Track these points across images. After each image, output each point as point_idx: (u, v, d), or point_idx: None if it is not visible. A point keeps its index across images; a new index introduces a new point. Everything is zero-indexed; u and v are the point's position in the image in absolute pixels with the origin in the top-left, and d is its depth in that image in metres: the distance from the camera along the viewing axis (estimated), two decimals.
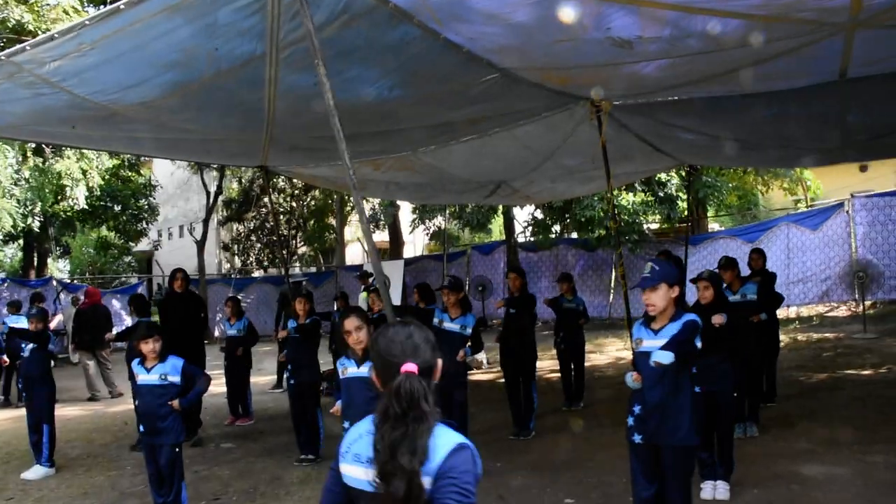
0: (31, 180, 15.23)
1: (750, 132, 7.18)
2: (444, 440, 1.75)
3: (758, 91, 5.65)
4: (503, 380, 7.69)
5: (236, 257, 28.85)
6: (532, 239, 17.61)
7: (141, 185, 21.62)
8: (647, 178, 14.14)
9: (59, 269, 31.17)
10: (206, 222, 21.86)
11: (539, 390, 7.45)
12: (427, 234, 21.73)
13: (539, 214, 17.02)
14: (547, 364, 10.81)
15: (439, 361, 1.92)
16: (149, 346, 4.86)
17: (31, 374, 6.79)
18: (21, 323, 10.09)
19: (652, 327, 3.69)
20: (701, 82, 5.32)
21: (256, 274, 26.44)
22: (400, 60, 4.49)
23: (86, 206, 16.92)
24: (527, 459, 6.17)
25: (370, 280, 11.96)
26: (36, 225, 16.36)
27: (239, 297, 9.87)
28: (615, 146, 6.91)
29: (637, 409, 3.70)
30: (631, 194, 14.95)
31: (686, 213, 16.49)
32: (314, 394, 6.84)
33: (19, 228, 16.46)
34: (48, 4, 13.86)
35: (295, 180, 22.46)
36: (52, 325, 8.50)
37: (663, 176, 14.62)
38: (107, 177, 17.90)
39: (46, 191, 15.17)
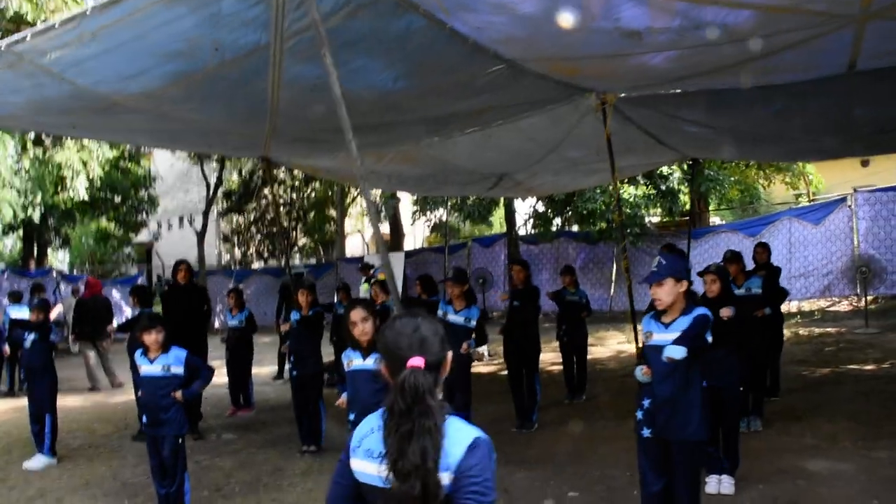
0: (31, 171, 15.17)
1: (755, 125, 7.14)
2: (459, 435, 1.72)
3: (765, 84, 5.61)
4: (505, 372, 7.68)
5: (236, 249, 28.83)
6: (533, 232, 17.56)
7: (141, 177, 21.54)
8: (648, 172, 14.09)
9: (58, 259, 31.11)
10: (206, 213, 21.83)
11: (541, 383, 7.44)
12: (428, 225, 21.69)
13: (540, 207, 16.97)
14: (549, 357, 10.79)
15: (449, 355, 1.88)
16: (152, 338, 4.83)
17: (33, 364, 6.80)
18: (22, 313, 10.10)
19: (662, 321, 3.66)
20: (708, 74, 5.27)
21: (256, 265, 26.42)
22: (405, 51, 4.44)
23: (86, 198, 16.87)
24: (530, 453, 6.15)
25: (371, 272, 11.93)
26: (36, 216, 16.30)
27: (241, 289, 9.83)
28: (619, 139, 6.87)
29: (646, 402, 3.67)
30: (633, 187, 14.90)
31: (688, 206, 16.47)
32: (317, 385, 6.82)
33: (19, 219, 16.41)
34: None
35: (295, 172, 22.41)
36: (53, 315, 8.48)
37: (665, 169, 14.55)
38: (107, 168, 17.83)
39: (47, 181, 15.11)
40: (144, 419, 4.97)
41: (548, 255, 16.88)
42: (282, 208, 25.10)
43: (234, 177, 26.82)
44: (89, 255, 31.21)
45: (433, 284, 7.71)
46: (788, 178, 18.28)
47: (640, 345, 4.08)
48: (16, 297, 11.78)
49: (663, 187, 14.99)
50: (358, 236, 30.73)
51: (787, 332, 10.83)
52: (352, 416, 4.30)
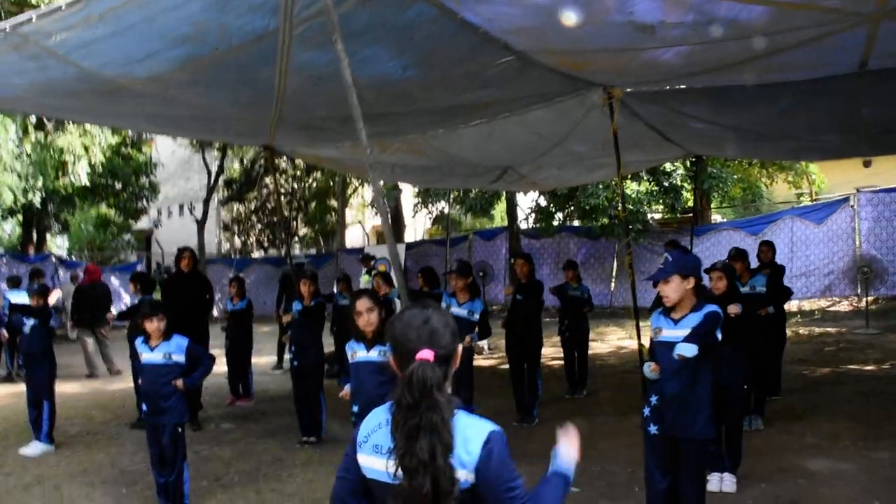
0: (32, 155, 15.10)
1: (762, 123, 7.10)
2: (471, 431, 1.69)
3: (774, 81, 5.57)
4: (505, 366, 7.65)
5: (236, 237, 28.78)
6: (535, 226, 17.53)
7: (142, 163, 21.48)
8: (651, 168, 14.06)
9: (57, 245, 31.07)
10: (206, 202, 21.76)
11: (542, 378, 7.41)
12: (430, 217, 21.65)
13: (542, 201, 16.94)
14: (549, 351, 10.77)
15: (459, 348, 1.85)
16: (153, 325, 4.80)
17: (32, 350, 6.76)
18: (21, 298, 10.05)
19: (672, 317, 3.62)
20: (718, 71, 5.23)
21: (256, 255, 26.38)
22: (414, 41, 4.39)
23: (87, 183, 16.81)
24: (530, 447, 6.07)
25: (372, 263, 11.90)
26: (37, 200, 16.24)
27: (242, 277, 9.79)
28: (625, 134, 6.83)
29: (654, 399, 3.64)
30: (635, 183, 14.88)
31: (690, 203, 16.43)
32: (318, 376, 6.79)
33: (20, 204, 16.35)
34: None
35: (297, 161, 22.35)
36: (52, 300, 8.45)
37: (668, 166, 14.54)
38: (108, 154, 17.76)
39: (48, 166, 15.05)
40: (145, 407, 4.94)
41: (549, 249, 16.86)
42: (283, 198, 25.05)
43: (236, 165, 26.76)
44: (88, 242, 31.14)
45: (435, 277, 7.67)
46: (791, 177, 18.24)
47: (646, 341, 4.05)
48: (15, 283, 11.75)
49: (666, 184, 14.98)
50: (358, 227, 30.70)
51: (787, 331, 10.84)
52: (355, 408, 4.27)
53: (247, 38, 4.13)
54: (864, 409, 6.96)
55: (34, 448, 6.53)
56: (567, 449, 1.91)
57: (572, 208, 16.29)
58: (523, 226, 18.45)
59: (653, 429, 3.66)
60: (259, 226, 26.75)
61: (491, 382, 8.78)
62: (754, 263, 7.42)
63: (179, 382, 4.79)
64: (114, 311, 11.28)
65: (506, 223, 18.59)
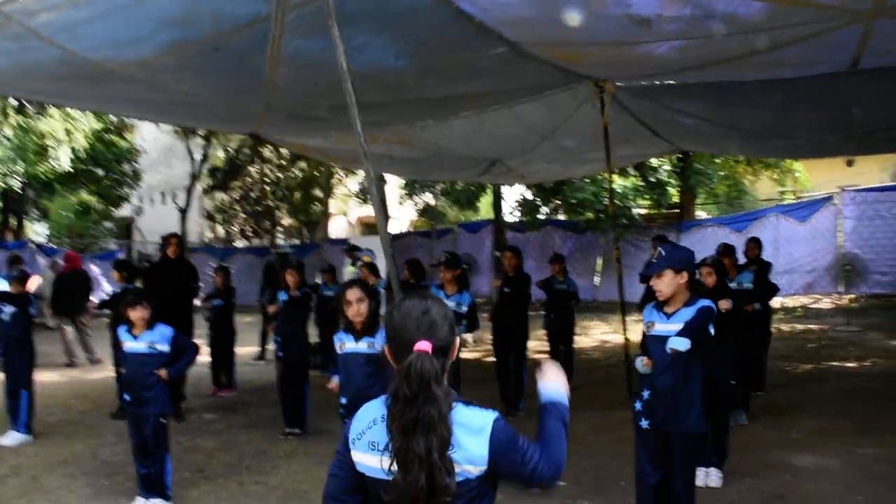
0: (13, 139, 14.84)
1: (752, 120, 7.13)
2: (472, 423, 1.66)
3: (767, 78, 5.58)
4: (489, 358, 7.63)
5: (219, 226, 28.51)
6: (521, 219, 17.53)
7: (125, 150, 21.18)
8: (638, 163, 14.09)
9: (35, 232, 30.62)
10: (189, 190, 21.52)
11: (528, 371, 7.41)
12: (417, 209, 21.57)
13: (528, 195, 16.93)
14: (535, 344, 10.77)
15: (457, 340, 1.81)
16: (137, 314, 4.70)
17: (11, 337, 6.62)
18: (0, 285, 9.86)
19: (665, 311, 3.61)
20: (712, 66, 5.22)
21: (239, 244, 26.15)
22: (409, 29, 4.35)
23: (69, 169, 16.54)
24: None
25: (357, 254, 11.81)
26: (17, 185, 15.97)
27: (227, 267, 9.63)
28: (614, 128, 6.83)
29: (646, 394, 3.63)
30: (622, 178, 14.91)
31: (675, 199, 16.51)
32: (303, 367, 6.72)
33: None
34: None
35: (282, 150, 22.16)
36: (32, 287, 8.29)
37: (655, 161, 14.57)
38: (91, 140, 17.50)
39: (29, 150, 14.80)
40: (127, 397, 4.84)
41: (534, 242, 16.86)
42: (267, 187, 24.83)
43: (220, 154, 26.47)
44: (68, 229, 30.72)
45: (421, 269, 7.62)
46: (776, 174, 18.36)
47: (633, 336, 4.03)
48: None
49: (652, 179, 15.01)
50: (342, 218, 30.54)
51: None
52: (343, 401, 4.21)
53: (238, 23, 4.05)
54: (846, 405, 7.01)
55: (11, 438, 6.40)
56: (548, 381, 1.86)
57: (558, 202, 16.29)
58: (509, 219, 18.44)
59: (644, 423, 3.64)
60: (243, 215, 26.49)
61: (474, 374, 8.74)
62: (741, 260, 7.45)
63: (163, 372, 4.71)
64: (94, 299, 11.17)
65: (491, 216, 18.57)
